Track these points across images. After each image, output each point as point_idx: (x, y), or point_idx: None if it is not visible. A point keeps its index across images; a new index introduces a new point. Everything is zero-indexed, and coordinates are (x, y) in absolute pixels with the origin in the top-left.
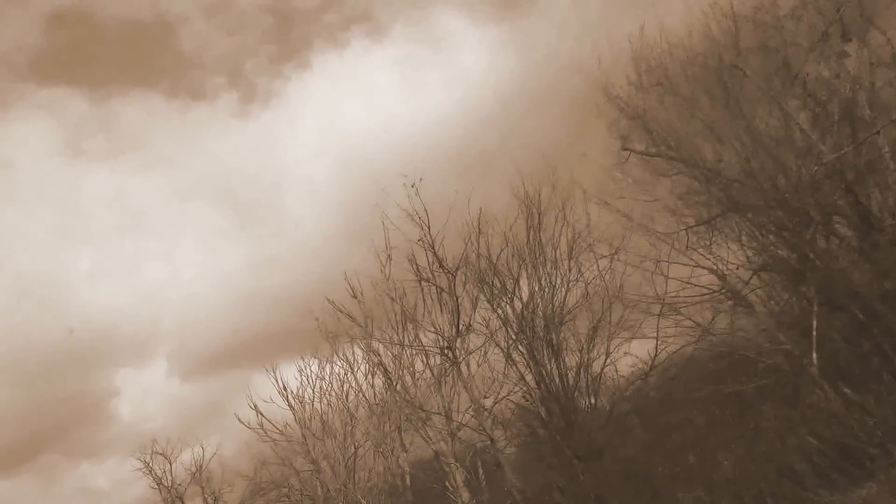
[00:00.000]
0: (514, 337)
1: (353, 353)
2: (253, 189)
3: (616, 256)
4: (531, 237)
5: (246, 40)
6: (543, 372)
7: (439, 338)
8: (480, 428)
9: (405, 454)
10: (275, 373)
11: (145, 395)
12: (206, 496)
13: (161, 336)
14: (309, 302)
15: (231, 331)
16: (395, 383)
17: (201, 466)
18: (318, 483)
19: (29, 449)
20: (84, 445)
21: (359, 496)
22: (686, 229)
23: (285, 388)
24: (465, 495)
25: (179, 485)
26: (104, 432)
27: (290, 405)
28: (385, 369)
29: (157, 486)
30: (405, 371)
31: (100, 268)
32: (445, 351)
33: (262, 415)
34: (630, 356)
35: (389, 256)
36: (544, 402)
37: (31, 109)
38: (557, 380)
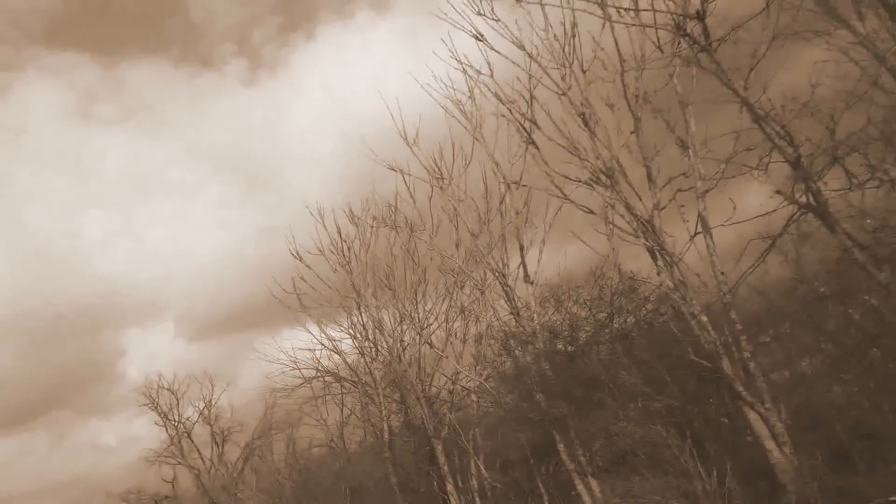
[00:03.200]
0: None
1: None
2: (259, 155)
3: None
4: None
5: (253, 10)
6: None
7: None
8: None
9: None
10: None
11: (152, 355)
12: (214, 434)
13: (168, 298)
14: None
15: (237, 295)
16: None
17: (210, 402)
18: (367, 364)
19: (40, 406)
20: (93, 403)
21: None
22: None
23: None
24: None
25: (187, 419)
26: (112, 391)
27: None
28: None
29: (162, 423)
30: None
31: (109, 230)
32: (688, 24)
33: (300, 259)
34: None
35: None
36: None
37: (43, 73)
38: None
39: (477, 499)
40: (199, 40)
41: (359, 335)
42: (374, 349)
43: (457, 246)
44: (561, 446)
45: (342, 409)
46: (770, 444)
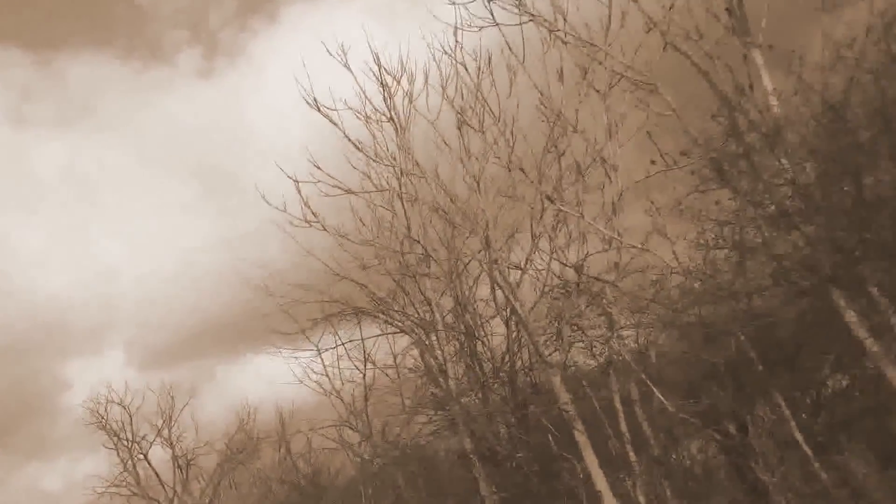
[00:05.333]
0: None
1: None
2: (218, 156)
3: None
4: None
5: None
6: None
7: None
8: None
9: None
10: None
11: (98, 387)
12: (176, 457)
13: (117, 322)
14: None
15: (195, 315)
16: None
17: (170, 418)
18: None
19: None
20: (33, 443)
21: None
22: None
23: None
24: None
25: (143, 438)
26: (55, 429)
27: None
28: None
29: (113, 445)
30: None
31: (48, 245)
32: None
33: (318, 109)
34: None
35: None
36: None
37: None
38: None
39: (629, 450)
40: (147, 27)
41: (397, 240)
42: (427, 259)
43: (560, 74)
44: (852, 317)
45: (364, 372)
46: None
